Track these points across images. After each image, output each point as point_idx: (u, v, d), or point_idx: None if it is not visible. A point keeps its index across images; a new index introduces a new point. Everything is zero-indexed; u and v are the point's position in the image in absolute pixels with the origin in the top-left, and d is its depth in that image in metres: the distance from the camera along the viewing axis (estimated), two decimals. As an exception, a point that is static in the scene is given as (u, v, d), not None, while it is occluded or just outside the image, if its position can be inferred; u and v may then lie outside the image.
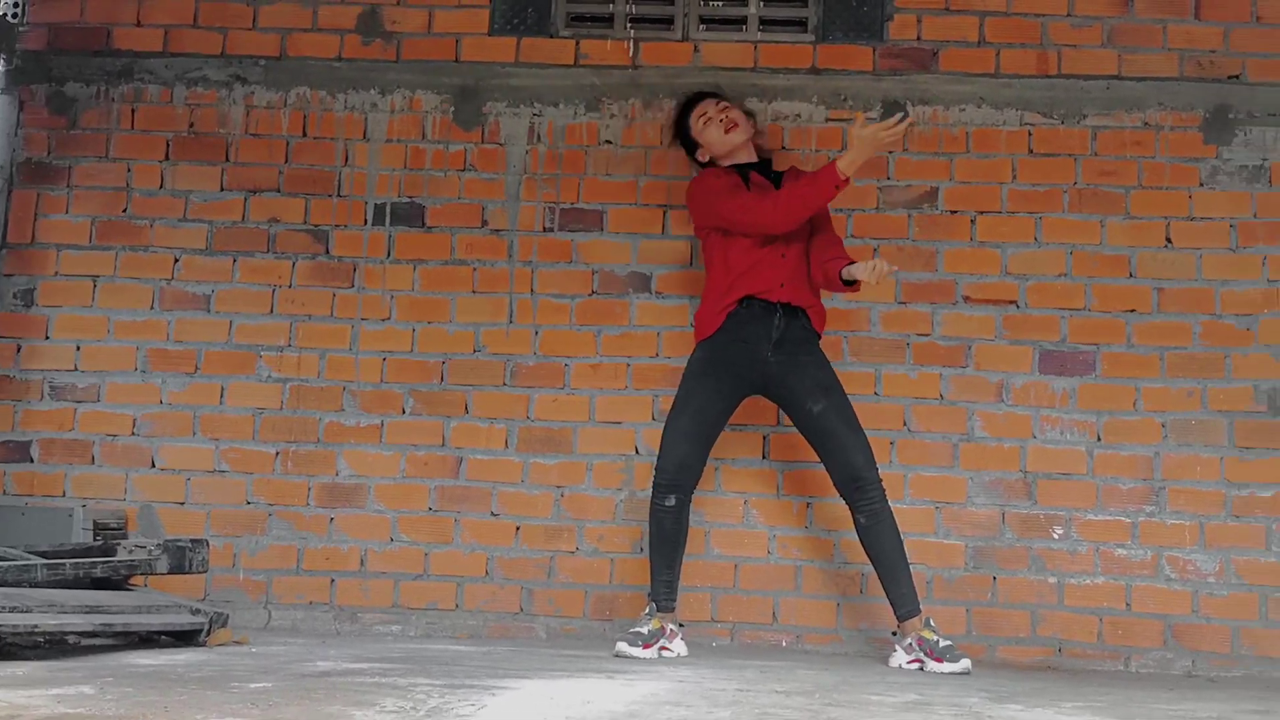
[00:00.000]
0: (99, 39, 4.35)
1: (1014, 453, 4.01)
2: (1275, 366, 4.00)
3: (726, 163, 3.74)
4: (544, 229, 4.21)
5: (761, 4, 4.28)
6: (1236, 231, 4.08)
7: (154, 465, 4.12)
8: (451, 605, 4.02)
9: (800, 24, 4.26)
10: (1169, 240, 4.09)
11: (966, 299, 4.10)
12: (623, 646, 3.44)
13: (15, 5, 4.36)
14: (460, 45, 4.30)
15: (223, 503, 4.10)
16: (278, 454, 4.12)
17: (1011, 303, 4.08)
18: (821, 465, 3.70)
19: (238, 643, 3.34)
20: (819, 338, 3.69)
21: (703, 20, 4.27)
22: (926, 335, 4.08)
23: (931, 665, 3.39)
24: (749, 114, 3.81)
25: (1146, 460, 3.97)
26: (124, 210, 4.26)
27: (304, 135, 4.29)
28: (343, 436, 4.13)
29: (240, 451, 4.12)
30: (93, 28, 4.36)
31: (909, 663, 3.46)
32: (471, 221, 4.22)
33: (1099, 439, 3.99)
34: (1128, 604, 3.89)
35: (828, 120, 4.21)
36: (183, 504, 4.10)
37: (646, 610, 3.56)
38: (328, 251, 4.23)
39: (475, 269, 4.20)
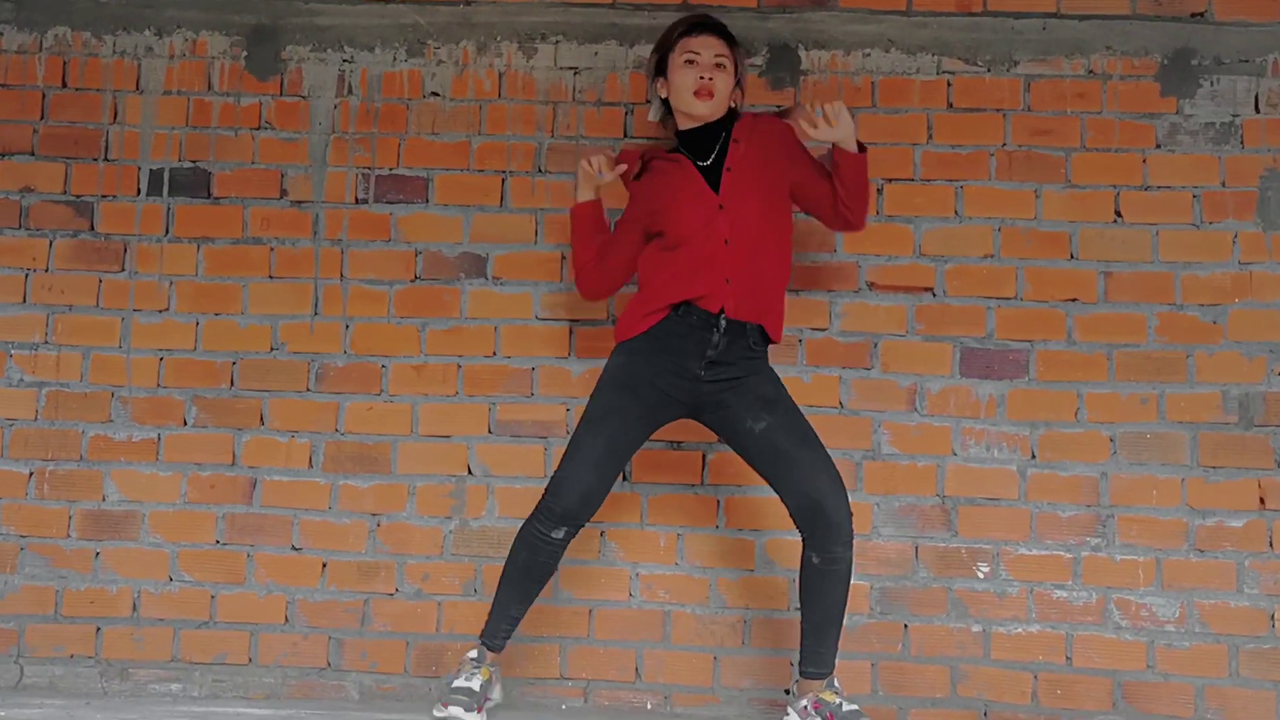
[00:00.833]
0: None
1: (930, 473, 3.75)
2: (1248, 368, 3.75)
3: (681, 126, 3.41)
4: (357, 200, 3.92)
5: None
6: (1201, 203, 3.84)
7: None
8: (244, 659, 3.73)
9: None
10: (1119, 214, 3.84)
11: (871, 286, 3.82)
12: (456, 712, 3.15)
13: None
14: None
15: None
16: (31, 474, 3.82)
17: (926, 290, 3.82)
18: (691, 489, 3.58)
19: None
20: (767, 348, 3.38)
21: None
22: (823, 330, 3.81)
23: None
24: (739, 83, 3.42)
25: (1091, 482, 3.73)
26: None
27: (63, 86, 4.00)
28: (111, 453, 3.83)
29: None
30: None
31: None
32: (268, 191, 3.94)
33: (1033, 456, 3.75)
34: (1068, 658, 3.65)
35: None
36: None
37: (474, 654, 3.27)
38: (92, 228, 3.94)
39: (273, 249, 3.92)
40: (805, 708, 3.19)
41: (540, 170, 3.86)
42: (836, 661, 3.40)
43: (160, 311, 3.85)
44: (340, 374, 3.80)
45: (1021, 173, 3.81)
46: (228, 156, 3.93)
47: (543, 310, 3.81)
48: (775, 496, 3.50)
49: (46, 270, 3.88)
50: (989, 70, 3.84)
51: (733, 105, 3.35)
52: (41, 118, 3.95)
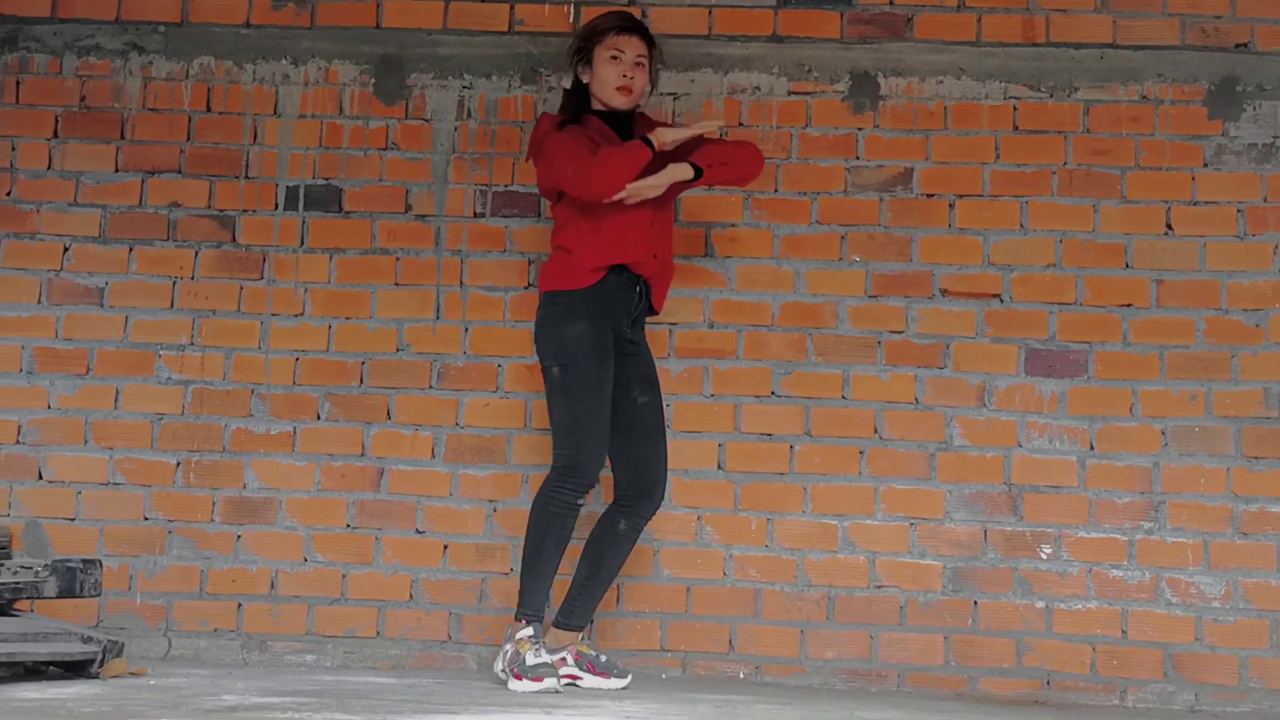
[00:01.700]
0: None
1: (997, 463, 3.90)
2: None
3: (594, 106, 3.60)
4: (474, 214, 4.10)
5: None
6: (1244, 217, 3.98)
7: (41, 477, 4.00)
8: (372, 632, 3.90)
9: None
10: (1169, 227, 3.99)
11: (944, 292, 3.98)
12: (553, 683, 3.27)
13: (-113, -33, 4.22)
14: (381, 10, 4.19)
15: (118, 519, 3.98)
16: (179, 465, 4.01)
17: (995, 296, 3.98)
18: (780, 478, 3.77)
19: (134, 674, 3.27)
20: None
21: None
22: (900, 333, 3.98)
23: (594, 681, 3.45)
24: (653, 82, 3.70)
25: (1144, 471, 3.86)
26: (8, 194, 4.15)
27: (208, 110, 4.19)
28: (251, 445, 4.01)
29: (137, 462, 4.00)
30: None
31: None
32: (394, 206, 4.12)
33: (1092, 448, 3.89)
34: (1124, 631, 3.79)
35: (790, 93, 4.10)
36: (73, 520, 3.97)
37: (530, 632, 3.34)
38: (234, 239, 4.12)
39: (398, 259, 4.09)
40: (564, 658, 3.41)
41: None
42: (911, 635, 3.66)
43: (296, 316, 4.03)
44: (460, 373, 3.98)
45: (1081, 189, 3.96)
46: (357, 174, 4.10)
47: (645, 313, 4.00)
48: (864, 487, 3.78)
49: (192, 278, 4.06)
50: (1051, 96, 4.00)
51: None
52: (188, 139, 4.13)
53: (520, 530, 3.78)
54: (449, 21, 4.13)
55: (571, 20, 4.06)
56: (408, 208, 4.08)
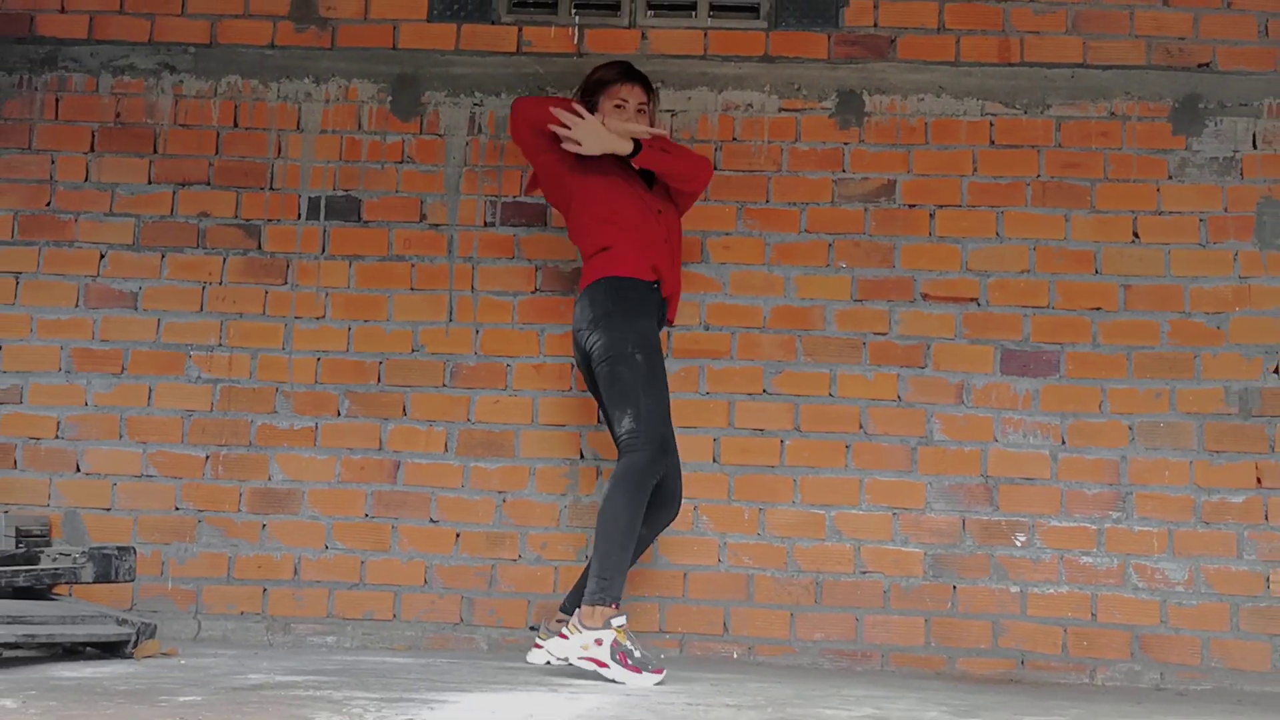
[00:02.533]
0: (21, 25, 4.26)
1: (975, 457, 3.95)
2: (1246, 367, 3.94)
3: None
4: (485, 223, 4.12)
5: None
6: (1206, 226, 4.02)
7: (79, 469, 4.03)
8: (389, 615, 3.94)
9: (752, 10, 4.15)
10: (1136, 235, 4.03)
11: (925, 296, 4.03)
12: (650, 678, 3.10)
13: (-68, -9, 4.26)
14: (398, 32, 4.21)
15: (150, 508, 4.01)
16: (208, 458, 4.04)
17: (972, 300, 4.01)
18: (771, 470, 3.87)
19: (166, 654, 3.31)
20: None
21: (650, 6, 4.15)
22: (883, 334, 4.01)
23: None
24: (652, 124, 3.66)
25: (1113, 464, 3.92)
26: (48, 204, 4.18)
27: (235, 126, 4.21)
28: (275, 439, 4.05)
29: (169, 455, 4.04)
30: (14, 14, 4.26)
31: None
32: (410, 216, 4.14)
33: (1063, 442, 3.94)
34: (1093, 614, 3.84)
35: (781, 110, 4.12)
36: (109, 510, 4.01)
37: (623, 620, 3.18)
38: (260, 247, 4.15)
39: (413, 265, 4.12)
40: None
41: (640, 195, 3.99)
42: (894, 617, 3.64)
43: (317, 319, 4.06)
44: (471, 372, 4.02)
45: (1053, 200, 4.01)
46: (375, 186, 4.12)
47: (647, 317, 4.02)
48: (849, 479, 3.86)
49: (220, 283, 4.09)
50: (1025, 112, 4.04)
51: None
52: (216, 153, 4.16)
53: (528, 520, 3.91)
54: (461, 43, 4.16)
55: (576, 42, 4.12)
56: (422, 217, 4.11)
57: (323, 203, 4.13)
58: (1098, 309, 3.96)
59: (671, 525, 3.76)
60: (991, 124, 4.06)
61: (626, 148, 3.42)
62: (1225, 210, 3.99)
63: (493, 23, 4.17)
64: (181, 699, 2.41)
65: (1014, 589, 3.83)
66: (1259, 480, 3.84)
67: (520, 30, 4.15)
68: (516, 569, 3.91)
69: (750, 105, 4.07)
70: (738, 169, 4.03)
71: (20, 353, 4.06)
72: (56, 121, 4.19)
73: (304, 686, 2.67)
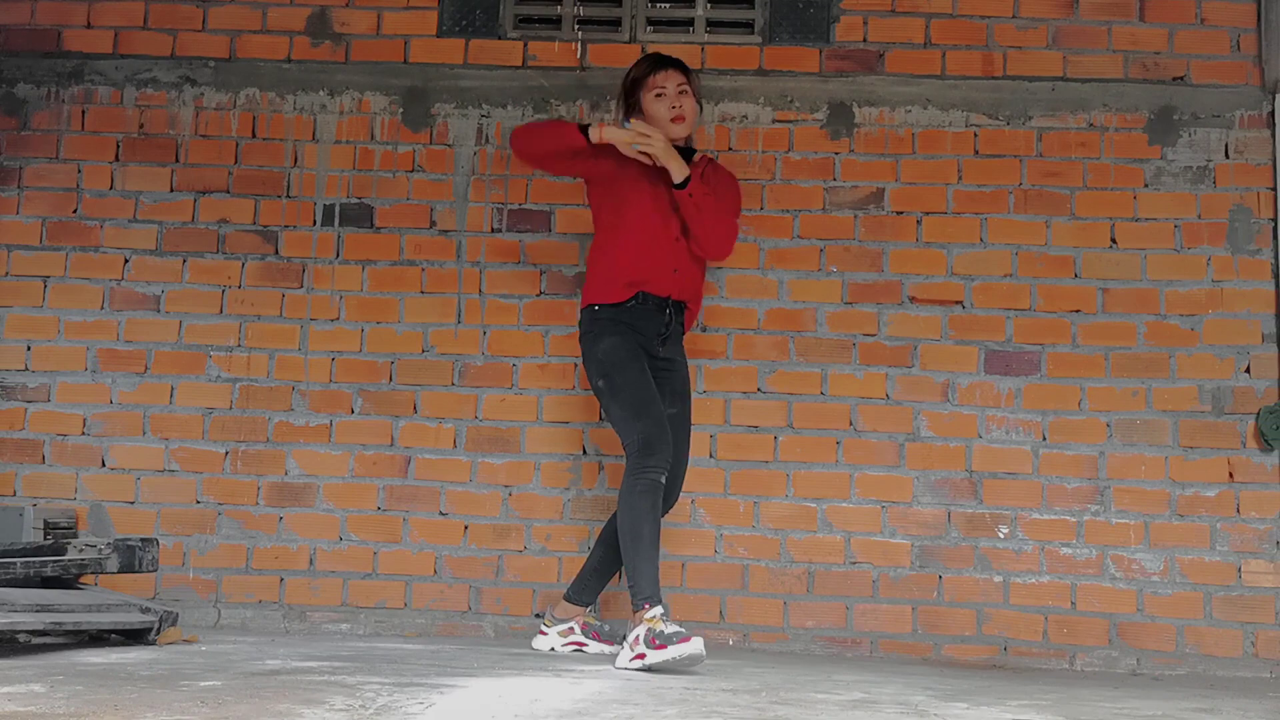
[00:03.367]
0: (50, 40, 4.31)
1: (960, 452, 3.99)
2: (1219, 366, 3.98)
3: None
4: (492, 230, 4.17)
5: (708, 6, 4.23)
6: (1181, 232, 4.06)
7: (104, 465, 4.08)
8: (400, 604, 3.98)
9: (747, 26, 4.21)
10: (1114, 241, 4.07)
11: (913, 299, 4.06)
12: (697, 641, 3.07)
13: (-34, 8, 4.30)
14: (409, 47, 4.26)
15: (173, 502, 4.06)
16: (227, 453, 4.08)
17: (957, 303, 4.05)
18: (765, 466, 3.90)
19: (187, 641, 3.31)
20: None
21: (650, 22, 4.23)
22: (873, 335, 4.05)
23: (598, 647, 3.55)
24: (699, 101, 3.62)
25: (1091, 460, 3.95)
26: (74, 211, 4.22)
27: (253, 136, 4.25)
28: (292, 436, 4.09)
29: (190, 451, 4.08)
30: (43, 29, 4.31)
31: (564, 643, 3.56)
32: (420, 222, 4.18)
33: (1044, 439, 3.97)
34: (1073, 603, 3.88)
35: (774, 121, 4.16)
36: (133, 503, 4.06)
37: (660, 610, 3.15)
38: (277, 252, 4.18)
39: (424, 269, 4.16)
40: (572, 627, 3.54)
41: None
42: (883, 606, 3.70)
43: (332, 321, 4.10)
44: (479, 371, 4.06)
45: (1034, 207, 4.05)
46: (387, 194, 4.16)
47: (643, 319, 4.03)
48: (840, 474, 3.89)
49: (239, 287, 4.13)
50: (1008, 124, 4.09)
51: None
52: (235, 162, 4.20)
53: (533, 513, 3.93)
54: (469, 57, 4.20)
55: (579, 56, 4.16)
56: (432, 224, 4.14)
57: (337, 210, 4.17)
58: (1077, 311, 4.00)
59: (671, 518, 3.73)
60: (976, 135, 4.10)
61: (684, 171, 3.36)
62: (1199, 217, 4.02)
63: (499, 38, 4.21)
64: (202, 684, 2.42)
65: (997, 579, 3.87)
66: (1231, 475, 3.88)
67: (526, 45, 4.20)
68: (522, 559, 3.96)
69: (745, 117, 4.11)
70: (734, 177, 4.02)
71: (48, 353, 4.11)
72: (83, 132, 4.22)
73: (319, 672, 2.68)
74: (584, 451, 4.02)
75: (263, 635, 3.70)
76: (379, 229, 4.17)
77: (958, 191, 4.09)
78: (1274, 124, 4.04)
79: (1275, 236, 4.00)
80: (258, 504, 4.03)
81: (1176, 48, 4.11)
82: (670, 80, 3.50)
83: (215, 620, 3.95)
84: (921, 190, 4.10)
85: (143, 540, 3.44)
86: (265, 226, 4.18)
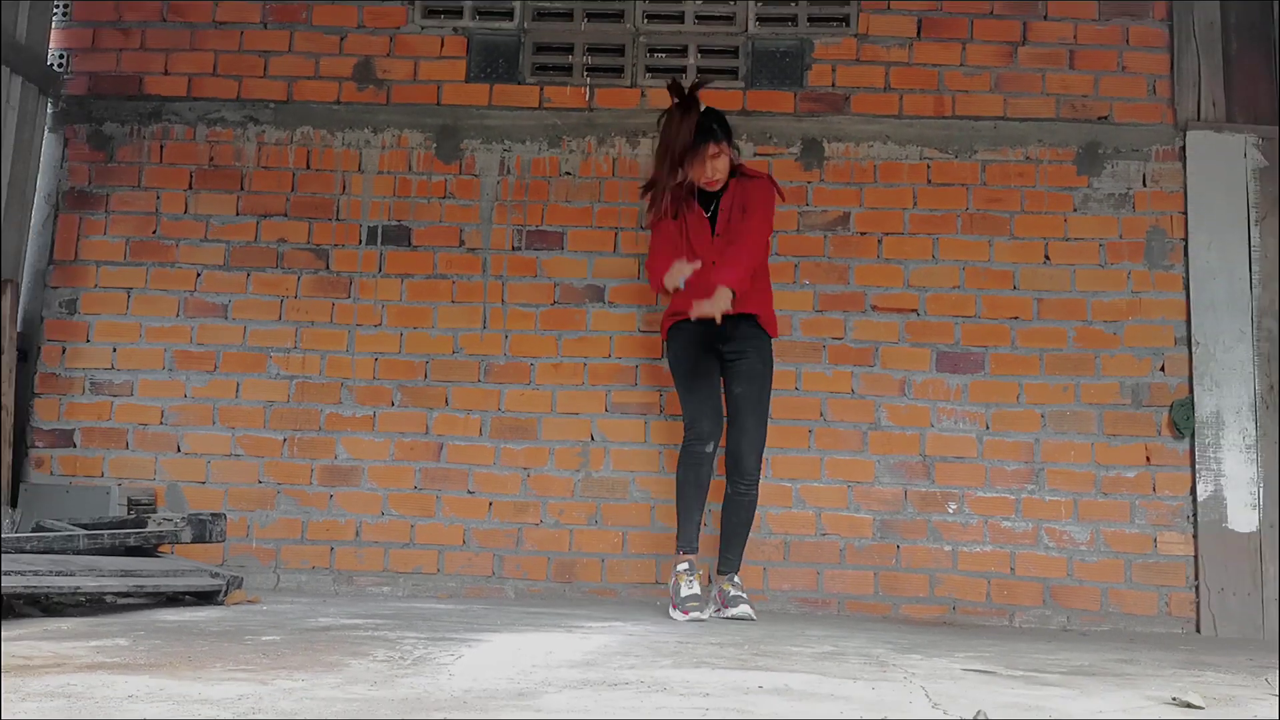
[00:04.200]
0: (132, 85, 4.52)
1: (915, 439, 4.17)
2: (1138, 365, 4.17)
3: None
4: (513, 248, 4.33)
5: (699, 56, 4.44)
6: (1105, 250, 4.24)
7: (179, 450, 4.27)
8: (434, 570, 4.15)
9: (732, 72, 4.42)
10: (1047, 257, 4.24)
11: (874, 308, 4.24)
12: (699, 615, 3.40)
13: (61, 57, 4.50)
14: (441, 91, 4.46)
15: (238, 482, 4.23)
16: (285, 440, 4.26)
17: (913, 311, 4.23)
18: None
19: (251, 602, 3.46)
20: (767, 335, 3.71)
21: (649, 69, 4.44)
22: (840, 339, 4.23)
23: (724, 611, 3.61)
24: (735, 149, 3.75)
25: (1028, 446, 4.13)
26: (154, 232, 4.40)
27: (307, 168, 4.41)
28: (341, 425, 4.25)
29: (253, 438, 4.26)
30: (127, 75, 4.52)
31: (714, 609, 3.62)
32: (451, 241, 4.35)
33: (988, 428, 4.15)
34: (1012, 569, 4.05)
35: (756, 154, 4.35)
36: (204, 483, 4.24)
37: (685, 566, 3.46)
38: (328, 267, 4.35)
39: (454, 282, 4.32)
40: (714, 595, 3.63)
41: (641, 227, 4.24)
42: (848, 571, 3.89)
43: (375, 326, 4.29)
44: (501, 370, 4.25)
45: (979, 229, 4.24)
46: (423, 217, 4.34)
47: (643, 325, 4.27)
48: (812, 457, 4.01)
49: (295, 297, 4.32)
50: (956, 157, 4.29)
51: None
52: (292, 190, 4.39)
53: (548, 491, 4.11)
54: (493, 100, 4.40)
55: (587, 99, 4.35)
56: (461, 242, 4.32)
57: (379, 231, 4.33)
58: (1016, 318, 4.17)
59: (668, 495, 3.91)
60: (929, 166, 4.29)
61: (728, 307, 3.46)
62: (1120, 237, 4.20)
63: (519, 83, 4.43)
64: (264, 638, 2.49)
65: (947, 548, 4.06)
66: (1148, 459, 4.08)
67: (542, 89, 4.41)
68: (539, 532, 4.14)
69: (731, 151, 4.26)
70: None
71: (131, 354, 4.32)
72: (161, 164, 4.41)
73: (364, 628, 2.75)
74: (592, 439, 4.21)
75: (315, 597, 3.83)
76: (416, 247, 4.33)
77: (913, 215, 4.27)
78: (1184, 157, 4.23)
79: (1186, 254, 4.19)
80: (311, 484, 4.20)
81: (1101, 91, 4.32)
82: (707, 154, 3.62)
83: (274, 584, 4.13)
84: (882, 214, 4.28)
85: (212, 515, 3.61)
86: (318, 245, 4.35)
